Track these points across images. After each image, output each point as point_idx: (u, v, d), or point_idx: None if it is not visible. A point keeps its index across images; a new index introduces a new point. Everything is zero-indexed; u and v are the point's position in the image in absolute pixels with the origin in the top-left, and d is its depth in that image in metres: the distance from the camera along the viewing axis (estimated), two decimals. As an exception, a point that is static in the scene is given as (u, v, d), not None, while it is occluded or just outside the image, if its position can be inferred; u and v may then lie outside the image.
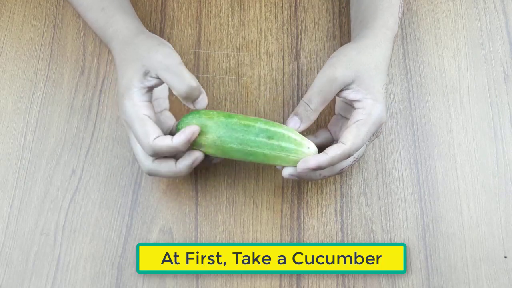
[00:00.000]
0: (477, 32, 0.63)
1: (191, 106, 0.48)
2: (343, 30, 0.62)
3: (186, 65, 0.59)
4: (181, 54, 0.60)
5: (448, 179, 0.56)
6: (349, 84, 0.48)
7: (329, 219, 0.54)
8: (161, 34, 0.61)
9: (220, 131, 0.47)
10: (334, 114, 0.54)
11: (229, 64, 0.60)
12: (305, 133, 0.52)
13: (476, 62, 0.61)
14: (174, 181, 0.55)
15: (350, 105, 0.51)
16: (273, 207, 0.54)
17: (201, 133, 0.47)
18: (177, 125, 0.49)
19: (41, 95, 0.58)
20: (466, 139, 0.58)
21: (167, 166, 0.48)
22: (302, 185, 0.55)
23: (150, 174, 0.49)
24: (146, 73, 0.48)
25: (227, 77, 0.60)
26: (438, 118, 0.58)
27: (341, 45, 0.61)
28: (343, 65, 0.48)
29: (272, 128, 0.47)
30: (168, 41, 0.61)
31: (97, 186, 0.55)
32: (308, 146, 0.48)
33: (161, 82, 0.48)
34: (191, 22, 0.62)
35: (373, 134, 0.50)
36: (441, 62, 0.61)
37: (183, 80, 0.46)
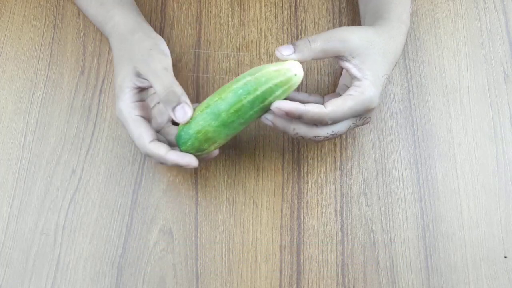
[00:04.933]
0: (477, 32, 0.63)
1: (171, 114, 0.47)
2: (343, 30, 0.62)
3: (186, 65, 0.59)
4: (181, 54, 0.60)
5: (448, 179, 0.56)
6: (353, 57, 0.48)
7: (329, 219, 0.54)
8: (161, 34, 0.61)
9: (222, 133, 0.47)
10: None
11: (229, 64, 0.60)
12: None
13: (476, 62, 0.61)
14: (174, 181, 0.55)
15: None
16: (273, 207, 0.54)
17: (205, 141, 0.47)
18: (177, 138, 0.48)
19: (41, 95, 0.58)
20: (466, 139, 0.58)
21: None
22: (302, 185, 0.55)
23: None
24: (138, 75, 0.49)
25: (227, 77, 0.60)
26: (438, 118, 0.58)
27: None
28: (359, 35, 0.48)
29: (259, 91, 0.46)
30: (168, 41, 0.61)
31: (97, 186, 0.55)
32: (296, 73, 0.47)
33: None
34: (191, 22, 0.62)
35: (360, 117, 0.49)
36: (441, 62, 0.61)
37: (162, 83, 0.47)
